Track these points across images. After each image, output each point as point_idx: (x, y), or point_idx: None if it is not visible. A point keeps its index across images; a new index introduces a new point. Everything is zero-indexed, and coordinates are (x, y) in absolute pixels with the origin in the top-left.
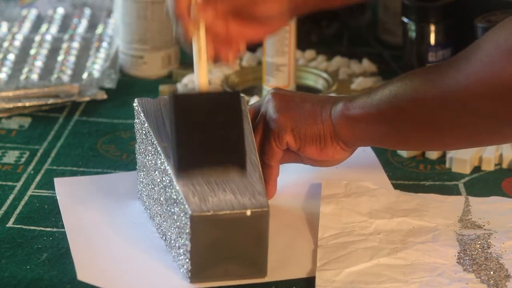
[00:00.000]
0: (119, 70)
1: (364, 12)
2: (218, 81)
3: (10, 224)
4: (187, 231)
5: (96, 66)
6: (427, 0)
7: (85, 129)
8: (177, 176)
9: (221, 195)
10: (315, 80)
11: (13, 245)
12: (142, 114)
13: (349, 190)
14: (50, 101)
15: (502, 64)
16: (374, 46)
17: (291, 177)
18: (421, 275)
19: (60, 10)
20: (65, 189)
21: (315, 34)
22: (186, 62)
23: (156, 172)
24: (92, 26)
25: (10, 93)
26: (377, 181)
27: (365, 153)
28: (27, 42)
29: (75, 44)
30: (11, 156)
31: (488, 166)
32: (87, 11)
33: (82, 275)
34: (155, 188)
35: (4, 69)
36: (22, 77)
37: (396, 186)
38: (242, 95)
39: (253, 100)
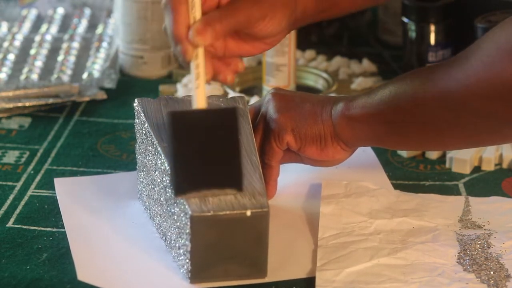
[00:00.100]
0: (119, 70)
1: (364, 12)
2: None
3: (10, 224)
4: (187, 231)
5: (96, 66)
6: (427, 0)
7: (85, 129)
8: (175, 195)
9: (221, 196)
10: (315, 80)
11: (13, 245)
12: (142, 114)
13: (349, 190)
14: (50, 101)
15: (503, 64)
16: (374, 46)
17: (291, 177)
18: (421, 275)
19: (60, 10)
20: (65, 189)
21: (315, 34)
22: None
23: (156, 172)
24: (92, 26)
25: (10, 93)
26: (377, 181)
27: (365, 153)
28: (27, 42)
29: (75, 44)
30: (11, 156)
31: (488, 166)
32: (87, 11)
33: (82, 275)
34: (155, 188)
35: (4, 69)
36: (22, 77)
37: (396, 186)
38: (240, 106)
39: (253, 100)
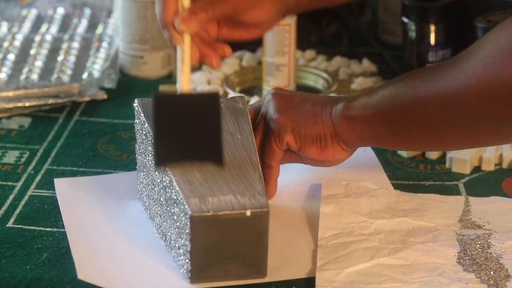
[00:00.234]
0: (119, 70)
1: (364, 12)
2: (218, 81)
3: (10, 224)
4: (187, 231)
5: (96, 66)
6: (427, 0)
7: (85, 129)
8: (156, 166)
9: (221, 196)
10: (315, 80)
11: (13, 245)
12: (142, 115)
13: (349, 190)
14: (50, 101)
15: (503, 65)
16: (374, 46)
17: (291, 177)
18: (421, 275)
19: (60, 10)
20: (65, 189)
21: (315, 34)
22: None
23: (156, 173)
24: (92, 26)
25: (10, 93)
26: (377, 181)
27: (365, 153)
28: (27, 42)
29: (75, 44)
30: (11, 156)
31: (488, 166)
32: (87, 11)
33: (82, 274)
34: (155, 189)
35: (4, 69)
36: (22, 77)
37: (396, 186)
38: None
39: (253, 100)
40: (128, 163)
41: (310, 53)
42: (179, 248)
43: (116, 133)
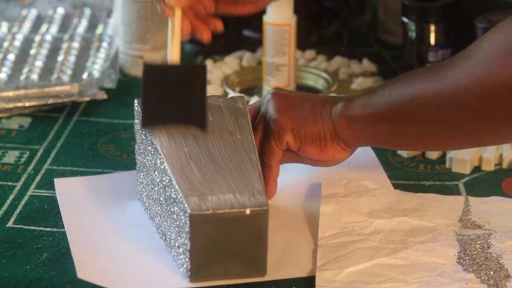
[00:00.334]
0: (119, 70)
1: (364, 12)
2: (218, 81)
3: (10, 224)
4: (187, 230)
5: (96, 66)
6: (427, 0)
7: (85, 129)
8: (142, 127)
9: (220, 194)
10: (315, 80)
11: (13, 245)
12: None
13: (349, 189)
14: (50, 101)
15: (502, 64)
16: (374, 46)
17: (291, 177)
18: (421, 275)
19: (60, 10)
20: (65, 189)
21: (315, 34)
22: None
23: (156, 172)
24: (92, 26)
25: (10, 93)
26: (377, 181)
27: (365, 153)
28: (27, 42)
29: (75, 44)
30: (11, 156)
31: (488, 166)
32: (87, 11)
33: (82, 273)
34: (155, 188)
35: (4, 69)
36: (22, 77)
37: (396, 186)
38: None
39: (253, 100)
40: (128, 163)
41: (310, 53)
42: (178, 247)
43: (116, 133)
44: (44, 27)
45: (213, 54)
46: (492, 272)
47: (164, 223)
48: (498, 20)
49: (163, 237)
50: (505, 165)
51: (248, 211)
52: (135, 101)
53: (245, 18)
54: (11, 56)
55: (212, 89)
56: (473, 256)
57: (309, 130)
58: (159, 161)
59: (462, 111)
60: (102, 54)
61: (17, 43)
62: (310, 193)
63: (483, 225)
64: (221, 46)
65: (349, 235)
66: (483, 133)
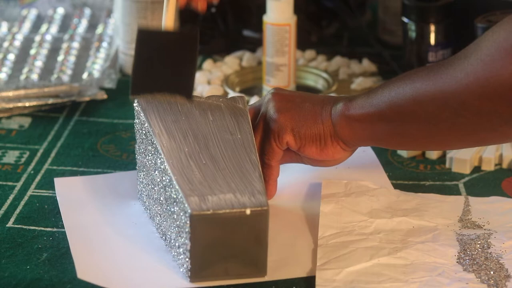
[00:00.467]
0: (119, 70)
1: (364, 12)
2: (218, 81)
3: (10, 224)
4: (187, 230)
5: (96, 66)
6: (427, 0)
7: (85, 129)
8: (130, 95)
9: (220, 194)
10: (315, 80)
11: (13, 245)
12: (142, 114)
13: (349, 189)
14: (50, 101)
15: (502, 63)
16: (374, 46)
17: (291, 177)
18: (421, 275)
19: (60, 10)
20: (65, 189)
21: (315, 34)
22: None
23: (156, 172)
24: (92, 26)
25: (10, 93)
26: (377, 181)
27: (365, 153)
28: (27, 42)
29: (75, 44)
30: (11, 156)
31: (488, 166)
32: (87, 11)
33: (82, 273)
34: (155, 188)
35: (4, 69)
36: (22, 77)
37: (396, 186)
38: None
39: (253, 100)
40: (128, 163)
41: (310, 53)
42: (179, 247)
43: (116, 133)
44: (44, 27)
45: (213, 54)
46: (492, 272)
47: (164, 223)
48: (498, 20)
49: (163, 237)
50: (505, 165)
51: (248, 211)
52: (135, 100)
53: (245, 18)
54: (11, 56)
55: (212, 89)
56: (473, 256)
57: (309, 130)
58: (159, 161)
59: (462, 110)
60: (102, 54)
61: (17, 43)
62: (310, 193)
63: (483, 225)
64: (221, 46)
65: (349, 235)
66: (483, 132)
